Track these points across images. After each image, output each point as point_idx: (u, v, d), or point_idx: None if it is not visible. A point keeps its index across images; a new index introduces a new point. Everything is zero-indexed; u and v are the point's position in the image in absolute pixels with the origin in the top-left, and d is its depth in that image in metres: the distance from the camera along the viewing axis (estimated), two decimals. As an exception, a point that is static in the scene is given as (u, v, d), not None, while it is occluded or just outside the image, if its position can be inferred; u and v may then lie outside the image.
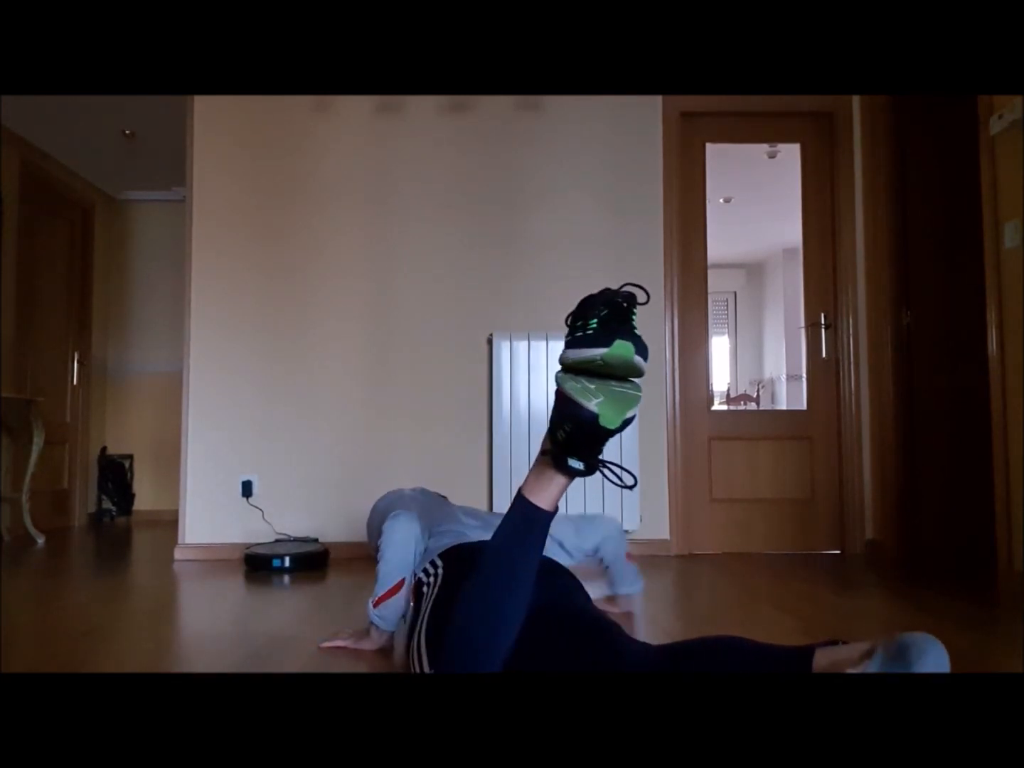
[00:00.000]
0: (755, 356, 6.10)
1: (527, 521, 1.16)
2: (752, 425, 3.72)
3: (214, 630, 2.06)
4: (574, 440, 1.08)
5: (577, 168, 3.65)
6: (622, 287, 1.07)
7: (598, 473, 1.14)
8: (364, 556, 3.43)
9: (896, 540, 3.49)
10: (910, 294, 3.54)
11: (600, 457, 1.12)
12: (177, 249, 5.29)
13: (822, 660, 1.03)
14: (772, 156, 4.13)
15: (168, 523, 5.00)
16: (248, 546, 3.33)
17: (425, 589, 1.46)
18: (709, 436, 3.69)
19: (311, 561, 3.20)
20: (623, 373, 1.06)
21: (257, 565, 3.16)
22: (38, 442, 4.30)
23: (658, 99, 3.68)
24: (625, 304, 1.05)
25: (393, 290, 3.59)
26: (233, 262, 3.58)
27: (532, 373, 3.47)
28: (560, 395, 1.08)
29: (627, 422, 1.05)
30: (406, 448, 3.54)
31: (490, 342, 3.54)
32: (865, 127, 3.69)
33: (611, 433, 1.05)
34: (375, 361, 3.57)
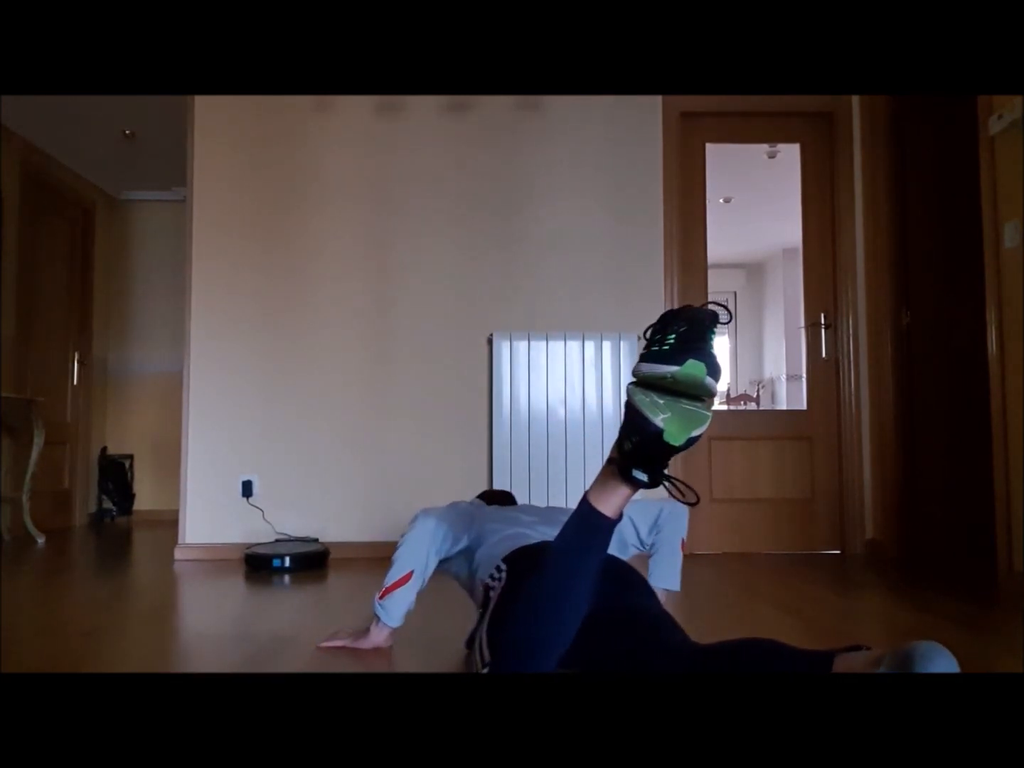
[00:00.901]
0: (755, 356, 6.10)
1: (590, 527, 1.18)
2: (752, 425, 3.72)
3: (215, 630, 2.06)
4: (639, 452, 1.09)
5: (577, 168, 3.65)
6: (705, 305, 1.09)
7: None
8: (364, 556, 3.43)
9: (896, 540, 3.49)
10: (910, 294, 3.54)
11: (665, 472, 1.13)
12: (177, 249, 5.29)
13: (840, 666, 1.03)
14: (772, 156, 4.14)
15: (168, 523, 4.99)
16: (248, 546, 3.33)
17: (492, 594, 1.48)
18: (709, 436, 3.69)
19: (311, 561, 3.20)
20: (693, 392, 1.07)
21: (257, 565, 3.16)
22: (38, 442, 4.30)
23: (658, 99, 3.68)
24: (706, 323, 1.06)
25: (393, 290, 3.60)
26: (233, 262, 3.58)
27: (532, 373, 3.47)
28: (630, 407, 1.09)
29: (692, 440, 1.05)
30: (406, 447, 3.54)
31: (490, 342, 3.55)
32: (865, 127, 3.69)
33: (675, 450, 1.05)
34: (375, 361, 3.57)
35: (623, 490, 1.15)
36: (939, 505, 3.41)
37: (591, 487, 1.19)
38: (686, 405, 1.06)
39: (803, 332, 3.79)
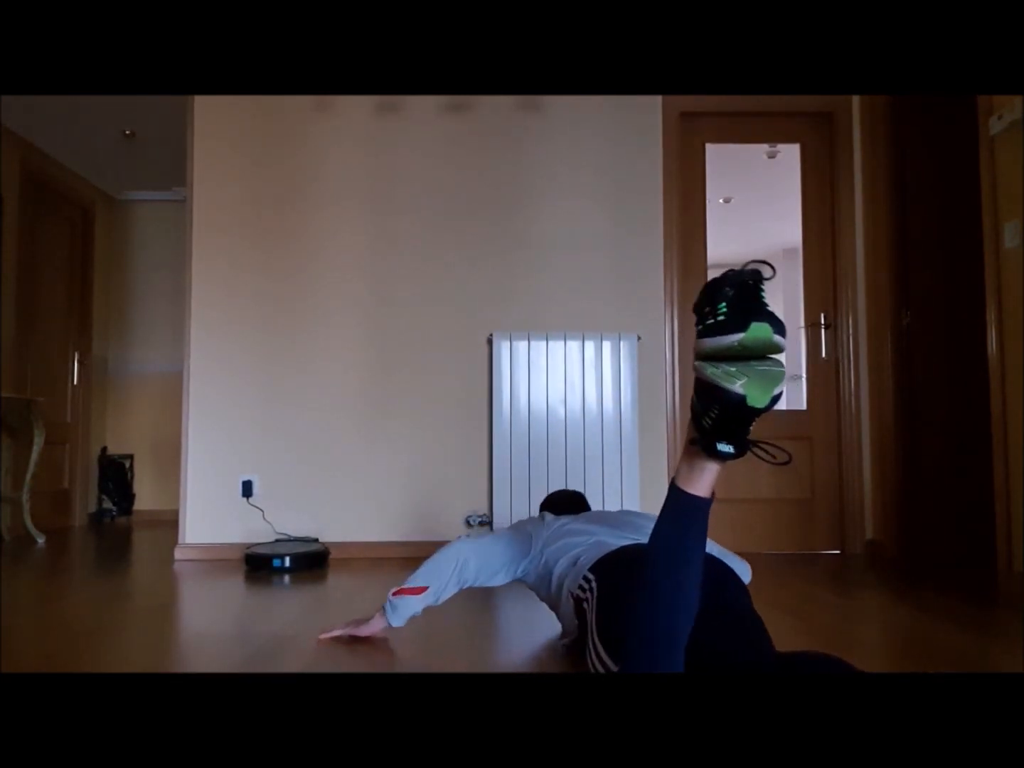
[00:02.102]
0: (755, 356, 6.08)
1: (687, 510, 1.16)
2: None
3: (214, 630, 2.06)
4: (722, 424, 1.08)
5: (577, 168, 3.65)
6: (746, 265, 1.06)
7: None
8: (364, 556, 3.43)
9: (896, 540, 3.49)
10: (910, 294, 3.54)
11: (749, 439, 1.11)
12: (177, 249, 5.30)
13: None
14: (772, 156, 4.13)
15: (168, 523, 5.00)
16: (248, 546, 3.33)
17: (586, 605, 1.47)
18: (709, 436, 3.68)
19: (311, 561, 3.20)
20: (763, 353, 1.06)
21: (257, 565, 3.16)
22: (38, 442, 4.30)
23: (658, 99, 3.68)
24: (752, 282, 1.04)
25: (393, 289, 3.59)
26: (233, 262, 3.58)
27: (532, 373, 3.47)
28: (701, 382, 1.09)
29: (775, 399, 1.04)
30: (406, 448, 3.54)
31: (490, 342, 3.55)
32: (865, 127, 3.69)
33: (759, 412, 1.04)
34: (375, 361, 3.57)
35: (711, 466, 1.14)
36: (939, 505, 3.41)
37: (677, 473, 1.17)
38: (758, 366, 1.05)
39: (803, 332, 3.79)
